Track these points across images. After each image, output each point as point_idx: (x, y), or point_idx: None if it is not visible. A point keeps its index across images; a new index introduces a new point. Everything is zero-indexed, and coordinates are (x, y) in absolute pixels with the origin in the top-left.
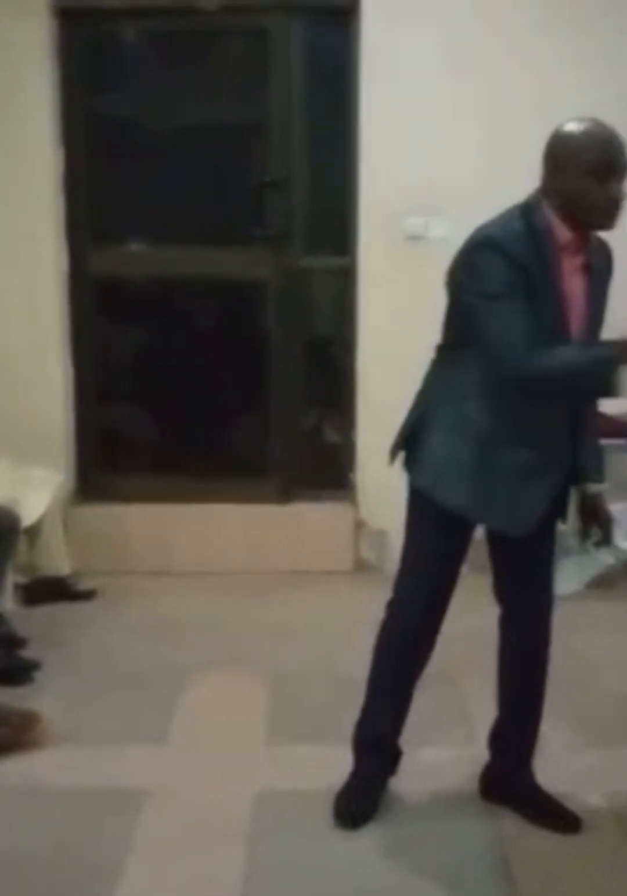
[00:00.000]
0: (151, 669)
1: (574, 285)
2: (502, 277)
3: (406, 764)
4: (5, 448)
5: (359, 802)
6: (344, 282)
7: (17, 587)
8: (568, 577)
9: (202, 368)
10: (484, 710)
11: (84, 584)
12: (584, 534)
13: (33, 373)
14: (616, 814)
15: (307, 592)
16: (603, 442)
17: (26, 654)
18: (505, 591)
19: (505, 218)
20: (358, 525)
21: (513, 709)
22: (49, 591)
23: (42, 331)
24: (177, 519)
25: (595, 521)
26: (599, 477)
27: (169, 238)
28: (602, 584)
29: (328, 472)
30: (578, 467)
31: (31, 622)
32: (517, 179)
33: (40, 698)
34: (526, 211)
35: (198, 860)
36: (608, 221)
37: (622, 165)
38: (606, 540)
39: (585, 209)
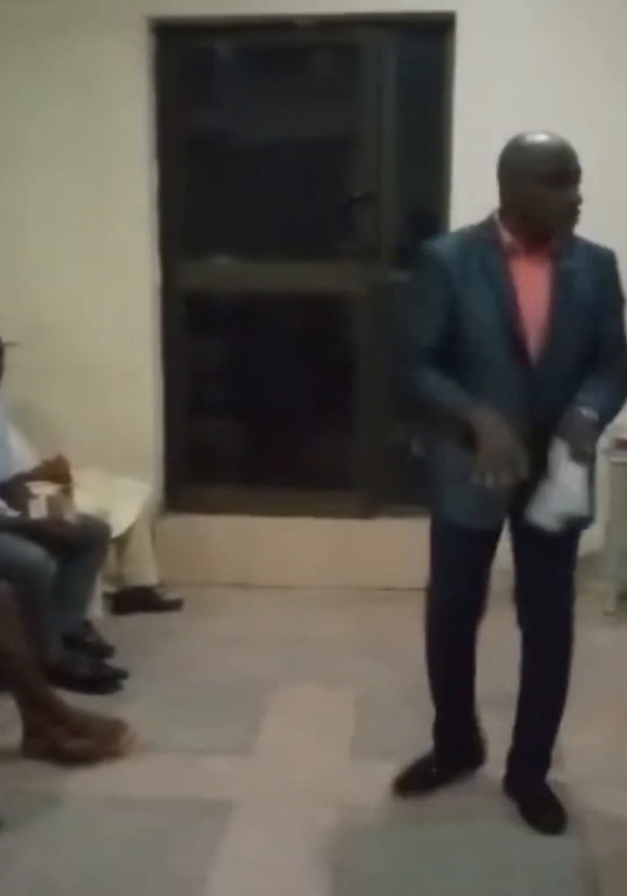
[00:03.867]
0: (236, 681)
1: (529, 283)
2: (423, 285)
3: (489, 781)
4: (96, 459)
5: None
6: None
7: (106, 596)
8: (550, 505)
9: (289, 382)
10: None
11: (170, 595)
12: (572, 454)
13: (125, 385)
14: None
15: (391, 609)
16: None
17: (113, 662)
18: (523, 596)
19: (449, 233)
20: None
21: (531, 720)
22: (136, 600)
23: (134, 344)
24: (262, 531)
25: (571, 427)
26: (588, 402)
27: (259, 252)
28: None
29: (414, 488)
30: (537, 449)
31: (119, 631)
32: (621, 192)
33: (127, 707)
34: (473, 226)
35: (283, 874)
36: (564, 226)
37: (573, 172)
38: (578, 456)
39: (541, 216)
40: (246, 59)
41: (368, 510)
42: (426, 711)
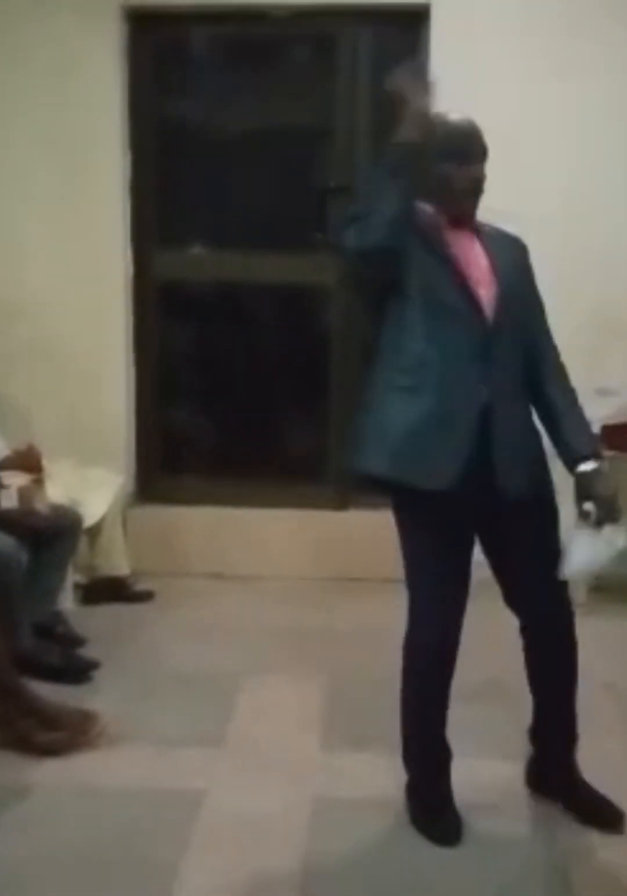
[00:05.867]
0: (207, 672)
1: (462, 246)
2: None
3: (460, 778)
4: (68, 449)
5: (452, 813)
6: None
7: (77, 587)
8: (580, 558)
9: (262, 373)
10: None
11: (142, 585)
12: (580, 514)
13: (96, 375)
14: None
15: (363, 600)
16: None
17: (84, 653)
18: (512, 592)
19: None
20: None
21: (547, 708)
22: (108, 591)
23: (106, 333)
24: (235, 522)
25: (589, 499)
26: (586, 450)
27: (232, 242)
28: None
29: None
30: (491, 425)
31: (90, 622)
32: (598, 185)
33: (98, 698)
34: None
35: (254, 863)
36: (468, 201)
37: (477, 150)
38: (608, 517)
39: (448, 192)
40: (220, 48)
41: (341, 501)
42: (397, 702)
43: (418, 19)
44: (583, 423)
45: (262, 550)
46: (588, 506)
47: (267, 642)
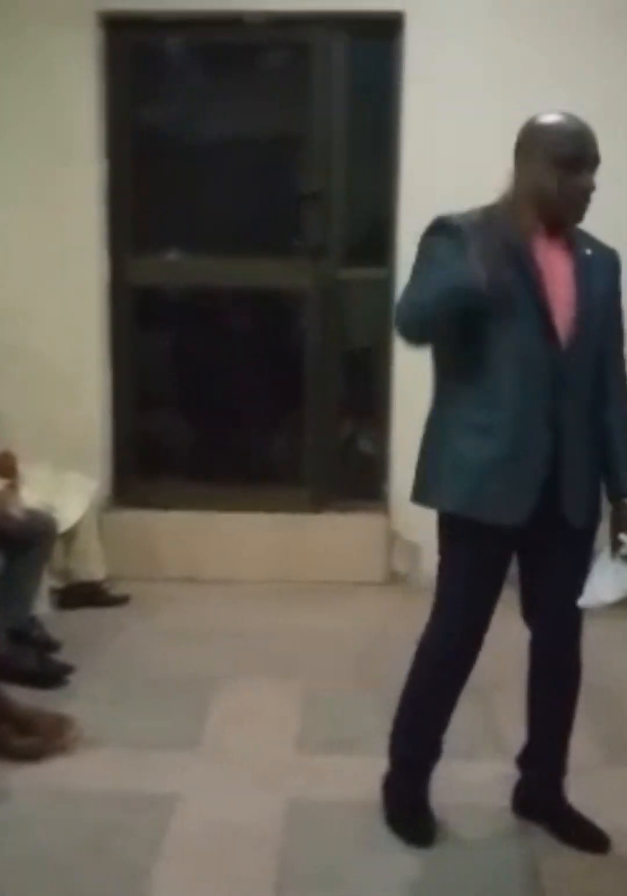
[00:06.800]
0: (183, 675)
1: (552, 262)
2: (438, 252)
3: (438, 779)
4: (43, 454)
5: (428, 815)
6: (383, 294)
7: (53, 591)
8: (603, 587)
9: (238, 378)
10: (516, 724)
11: (117, 590)
12: (614, 545)
13: (72, 380)
14: None
15: (338, 603)
16: None
17: (60, 657)
18: (534, 609)
19: (469, 210)
20: (391, 537)
21: (545, 729)
22: (83, 595)
23: (81, 338)
24: (211, 526)
25: (625, 532)
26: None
27: (209, 248)
28: None
29: (362, 483)
30: (561, 457)
31: (65, 626)
32: None
33: (73, 702)
34: (489, 205)
35: (228, 866)
36: (576, 212)
37: (590, 157)
38: None
39: (554, 200)
40: (196, 54)
41: (316, 505)
42: (372, 705)
43: (393, 27)
44: None
45: (237, 554)
46: (624, 537)
47: (242, 646)
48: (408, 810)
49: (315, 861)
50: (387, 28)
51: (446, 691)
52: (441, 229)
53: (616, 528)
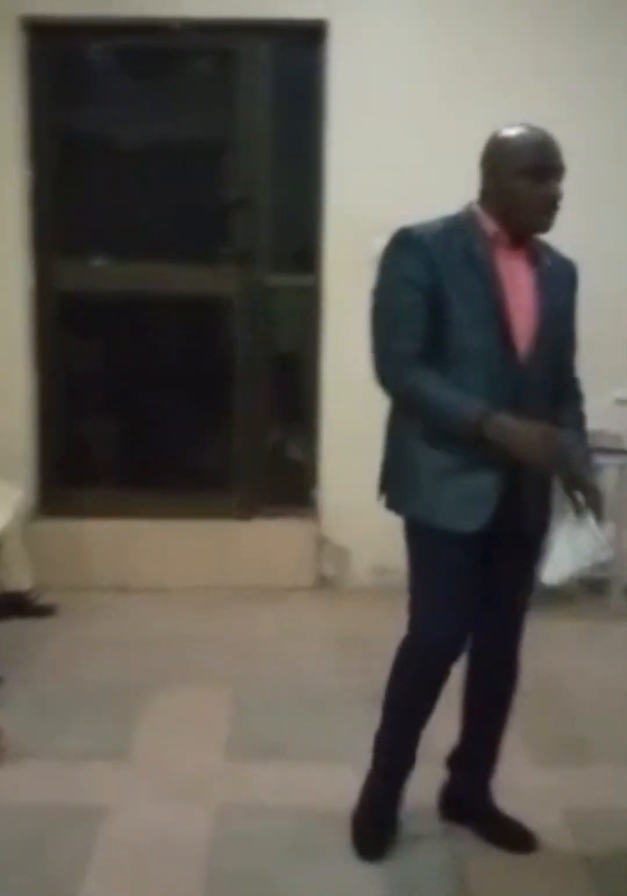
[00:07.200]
0: (112, 685)
1: (514, 273)
2: (403, 270)
3: (354, 784)
4: None
5: (387, 833)
6: (310, 300)
7: None
8: (558, 565)
9: (166, 384)
10: (441, 725)
11: (44, 600)
12: (573, 504)
13: None
14: (572, 832)
15: (268, 609)
16: None
17: None
18: (478, 610)
19: (428, 221)
20: (320, 541)
21: (479, 731)
22: (9, 606)
23: (5, 344)
24: (139, 534)
25: (578, 489)
26: (575, 427)
27: (135, 254)
28: (565, 600)
29: (291, 489)
30: (520, 465)
31: None
32: None
33: (1, 713)
34: (452, 216)
35: (157, 877)
36: (543, 221)
37: (555, 166)
38: (592, 508)
39: (520, 210)
40: (121, 60)
41: (245, 511)
42: (302, 710)
43: (316, 34)
44: (583, 441)
45: (167, 562)
46: (580, 496)
47: (172, 654)
48: (371, 822)
49: (243, 869)
50: (311, 36)
51: (426, 701)
52: (405, 243)
53: (568, 486)
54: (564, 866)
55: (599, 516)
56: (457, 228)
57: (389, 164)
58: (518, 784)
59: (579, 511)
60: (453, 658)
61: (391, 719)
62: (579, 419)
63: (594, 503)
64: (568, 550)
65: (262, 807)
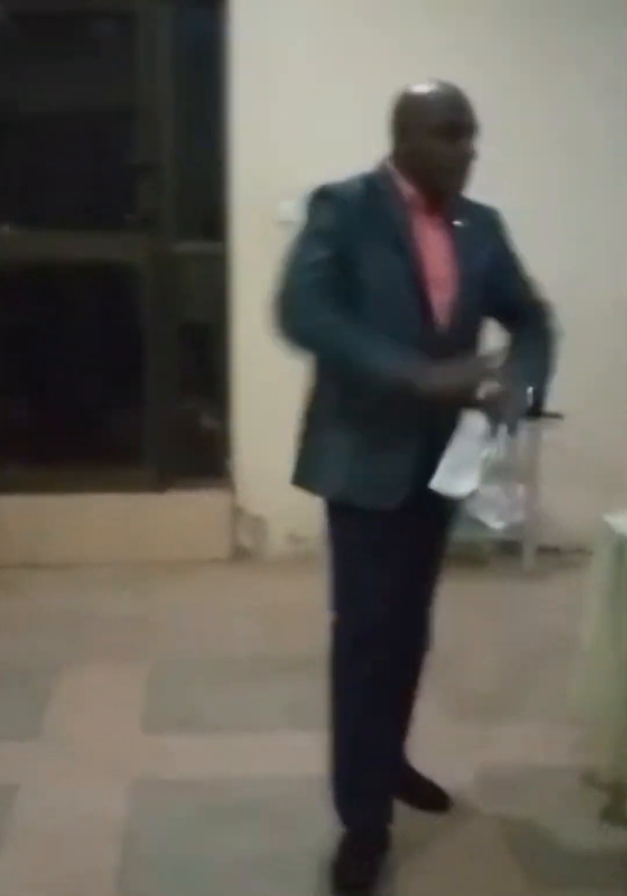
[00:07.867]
0: (24, 663)
1: (431, 241)
2: (318, 223)
3: (269, 748)
4: None
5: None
6: (219, 267)
7: None
8: (460, 479)
9: (75, 355)
10: None
11: None
12: (484, 400)
13: None
14: (484, 788)
15: (184, 581)
16: None
17: None
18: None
19: (346, 179)
20: (236, 512)
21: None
22: None
23: None
24: (52, 509)
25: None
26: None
27: (40, 222)
28: (479, 563)
29: (205, 460)
30: (437, 441)
31: None
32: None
33: None
34: (369, 175)
35: (72, 855)
36: (456, 180)
37: (468, 123)
38: (510, 422)
39: (434, 170)
40: (20, 24)
41: (159, 483)
42: (218, 681)
43: None
44: (539, 365)
45: (80, 537)
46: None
47: (86, 630)
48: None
49: (160, 843)
50: None
51: (376, 704)
52: (323, 198)
53: (507, 408)
54: (477, 823)
55: (512, 429)
56: (374, 189)
57: (295, 126)
58: (432, 742)
59: (495, 419)
60: (387, 641)
61: (339, 710)
62: (532, 337)
63: (510, 412)
64: (472, 467)
65: (179, 779)
